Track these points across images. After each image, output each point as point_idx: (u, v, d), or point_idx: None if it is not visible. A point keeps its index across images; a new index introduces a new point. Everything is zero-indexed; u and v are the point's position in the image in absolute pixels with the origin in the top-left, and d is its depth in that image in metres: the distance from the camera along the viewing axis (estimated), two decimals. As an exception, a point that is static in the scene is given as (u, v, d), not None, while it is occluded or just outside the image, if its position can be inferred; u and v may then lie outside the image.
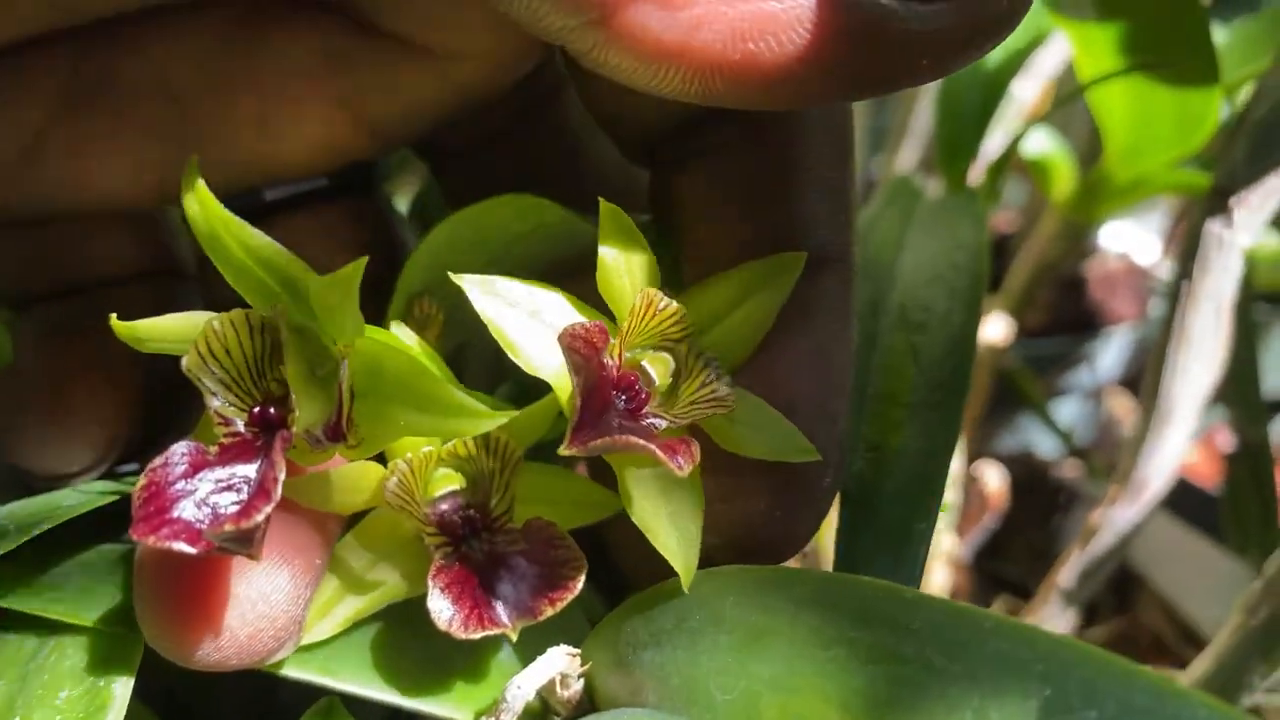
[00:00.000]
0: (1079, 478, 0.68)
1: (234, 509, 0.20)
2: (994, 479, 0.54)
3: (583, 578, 0.23)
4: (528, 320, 0.22)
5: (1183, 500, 0.73)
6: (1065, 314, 0.75)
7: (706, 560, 0.23)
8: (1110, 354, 0.77)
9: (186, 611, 0.23)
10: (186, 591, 0.23)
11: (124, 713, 0.24)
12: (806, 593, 0.21)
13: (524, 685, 0.25)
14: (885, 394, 0.29)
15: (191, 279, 0.31)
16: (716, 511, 0.24)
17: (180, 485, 0.20)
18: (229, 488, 0.20)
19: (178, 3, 0.25)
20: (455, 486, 0.24)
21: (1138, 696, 0.17)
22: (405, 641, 0.26)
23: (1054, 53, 0.58)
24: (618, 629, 0.25)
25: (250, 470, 0.20)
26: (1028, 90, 0.57)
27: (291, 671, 0.25)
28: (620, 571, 0.29)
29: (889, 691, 0.19)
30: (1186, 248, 0.42)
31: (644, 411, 0.22)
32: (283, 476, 0.19)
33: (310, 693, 0.40)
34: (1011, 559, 0.64)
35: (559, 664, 0.25)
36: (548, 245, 0.26)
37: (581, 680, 0.26)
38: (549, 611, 0.23)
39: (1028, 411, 0.72)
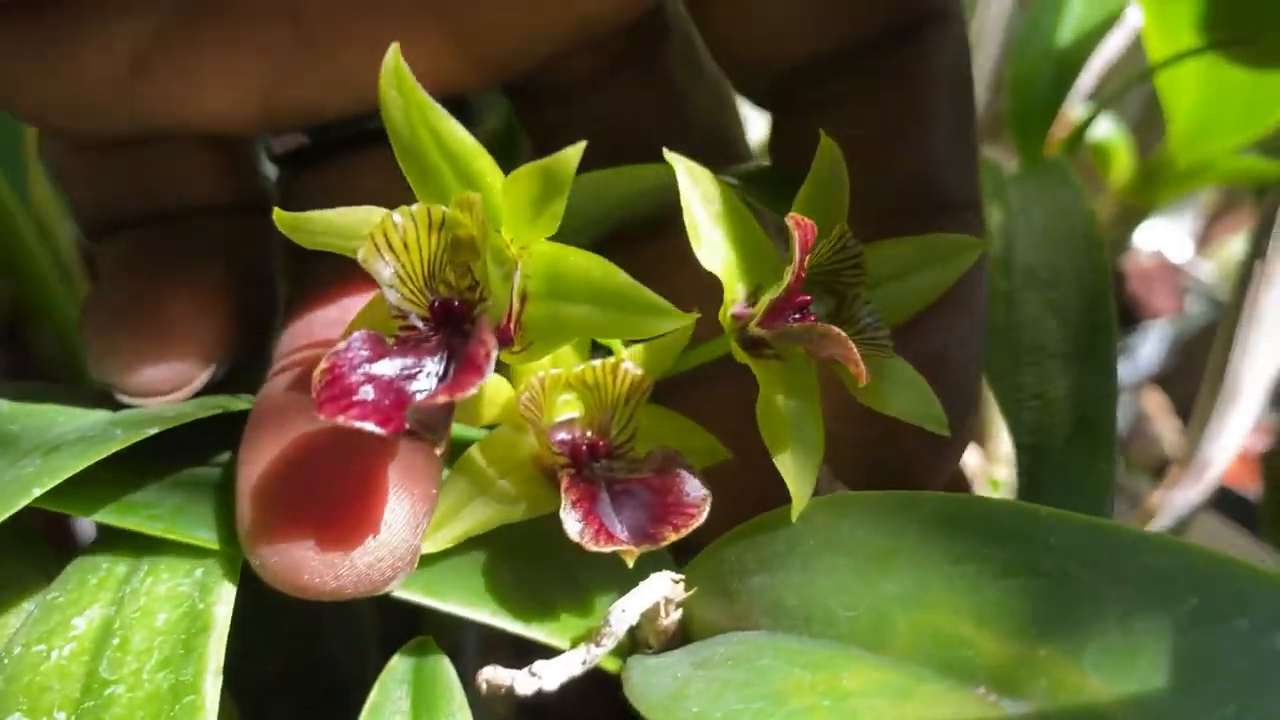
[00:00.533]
0: (1120, 472, 0.68)
1: (427, 392, 0.20)
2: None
3: (708, 506, 0.24)
4: (716, 217, 0.23)
5: (1219, 503, 0.73)
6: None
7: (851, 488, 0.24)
8: (1148, 347, 0.77)
9: (306, 537, 0.22)
10: (306, 516, 0.23)
11: (226, 636, 0.24)
12: (930, 513, 0.21)
13: (628, 608, 0.25)
14: (1035, 346, 0.30)
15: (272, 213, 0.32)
16: (860, 456, 0.24)
17: (363, 369, 0.20)
18: (412, 376, 0.20)
19: None
20: (575, 413, 0.24)
21: (1287, 603, 0.17)
22: (505, 570, 0.27)
23: (1111, 43, 0.58)
24: (719, 559, 0.25)
25: (431, 363, 0.21)
26: (1087, 79, 0.58)
27: (397, 592, 0.25)
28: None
29: (1026, 604, 0.19)
30: (1260, 227, 0.42)
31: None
32: (495, 353, 0.20)
33: (350, 644, 0.40)
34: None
35: (663, 588, 0.25)
36: (662, 195, 0.26)
37: (679, 611, 0.26)
38: (672, 536, 0.23)
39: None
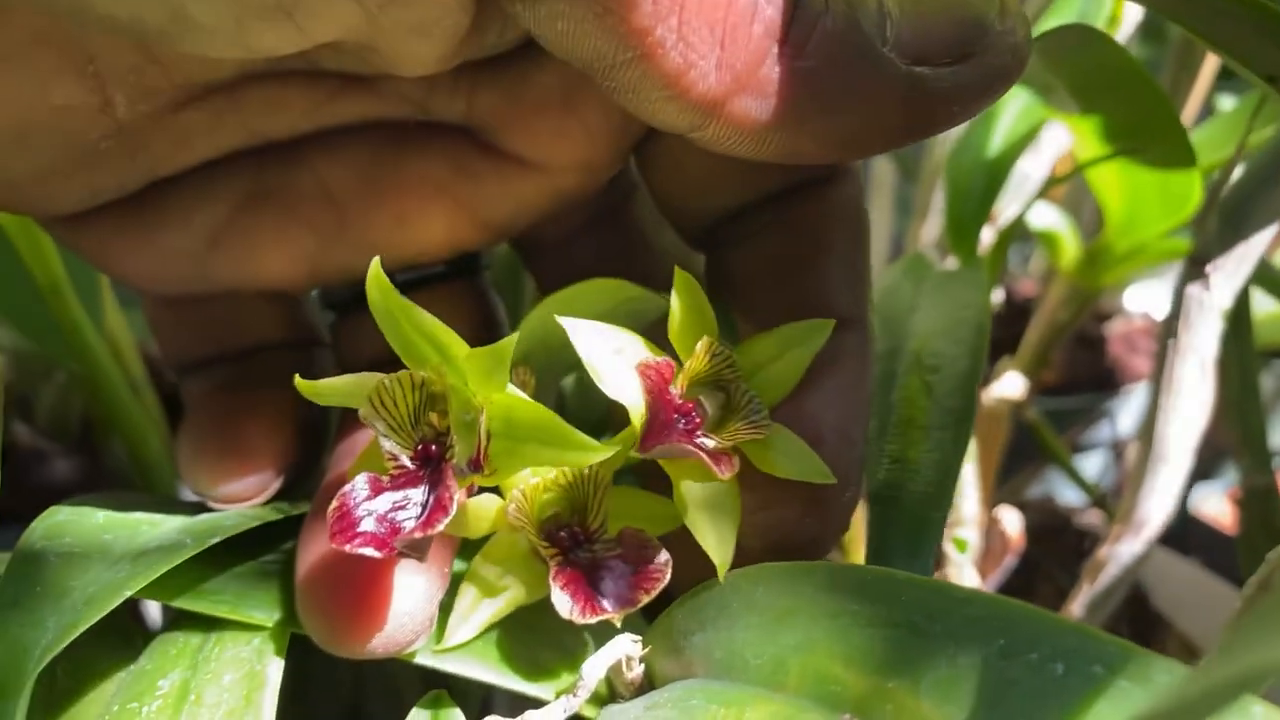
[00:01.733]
0: (1101, 525, 0.73)
1: (412, 522, 0.26)
2: (1013, 522, 0.59)
3: (669, 571, 0.30)
4: (613, 356, 0.29)
5: (1213, 548, 0.77)
6: (1082, 372, 0.81)
7: (750, 559, 0.29)
8: (1131, 410, 0.82)
9: (351, 611, 0.29)
10: (351, 596, 0.30)
11: (278, 690, 0.30)
12: (822, 579, 0.27)
13: (596, 665, 0.30)
14: (904, 419, 0.36)
15: (324, 346, 0.38)
16: (757, 519, 0.30)
17: (365, 506, 0.27)
18: (402, 507, 0.27)
19: (342, 126, 0.32)
20: (558, 509, 0.31)
21: (1068, 639, 0.22)
22: (506, 639, 0.33)
23: (1063, 132, 0.64)
24: (670, 621, 0.31)
25: (417, 494, 0.27)
26: (1039, 168, 0.63)
27: (417, 659, 0.32)
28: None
29: (882, 647, 0.24)
30: (1172, 310, 0.47)
31: (698, 434, 0.29)
32: (458, 497, 0.26)
33: (390, 702, 0.46)
34: (1039, 599, 0.68)
35: (625, 648, 0.31)
36: (627, 317, 0.32)
37: (643, 666, 0.32)
38: (645, 598, 0.30)
39: (1052, 465, 0.76)
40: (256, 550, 0.35)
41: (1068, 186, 0.79)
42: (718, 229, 0.34)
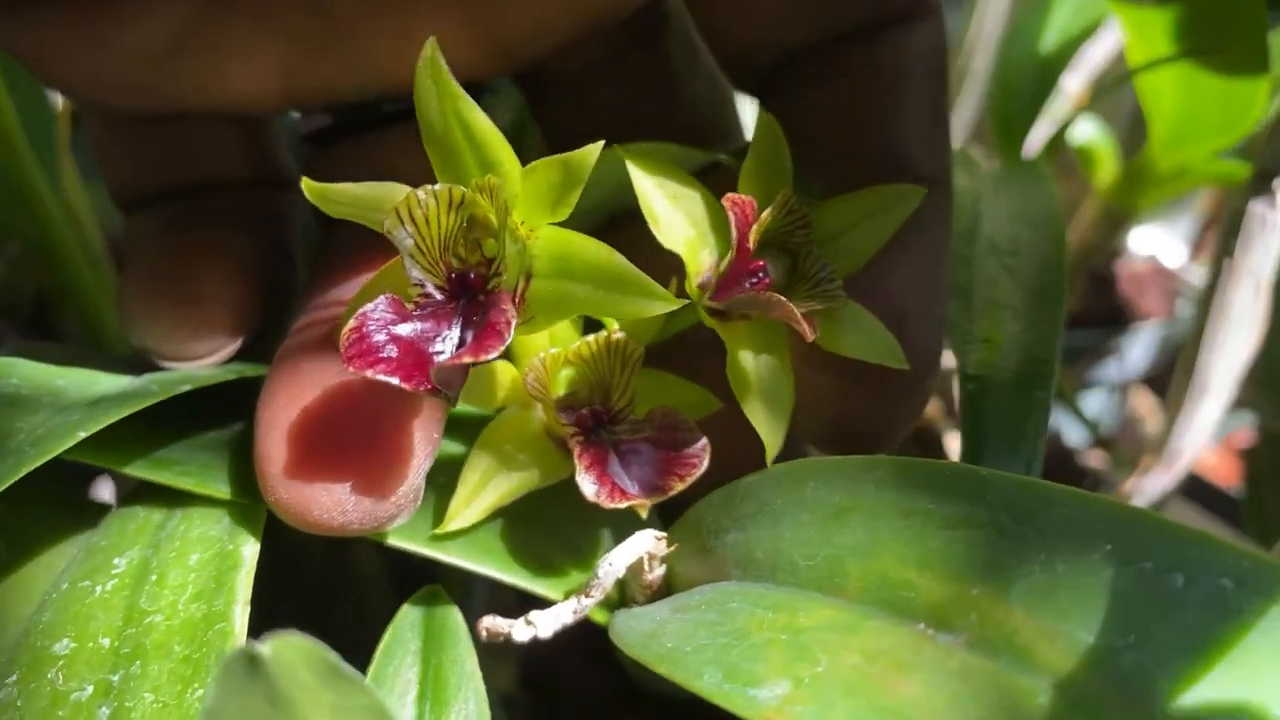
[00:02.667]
0: (1104, 467, 0.70)
1: (448, 352, 0.22)
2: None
3: (706, 458, 0.26)
4: (670, 200, 0.25)
5: (1202, 497, 0.75)
6: (1095, 307, 0.78)
7: (805, 451, 0.26)
8: (1137, 349, 0.79)
9: (317, 478, 0.25)
10: (318, 460, 0.25)
11: (253, 572, 0.27)
12: (885, 475, 0.23)
13: (615, 562, 0.27)
14: (989, 300, 0.32)
15: (294, 191, 0.33)
16: (823, 406, 0.26)
17: (387, 330, 0.22)
18: (429, 339, 0.23)
19: None
20: (578, 386, 0.27)
21: (1187, 549, 0.19)
22: (510, 533, 0.29)
23: (1100, 48, 0.60)
24: (698, 519, 0.28)
25: (449, 328, 0.23)
26: (1074, 83, 0.60)
27: (401, 543, 0.28)
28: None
29: (964, 550, 0.21)
30: (1229, 226, 0.44)
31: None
32: (514, 320, 0.22)
33: (367, 599, 0.43)
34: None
35: (646, 544, 0.27)
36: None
37: (664, 567, 0.28)
38: (679, 486, 0.26)
39: (1056, 401, 0.74)
40: (225, 418, 0.31)
41: (1105, 106, 0.75)
42: (781, 71, 0.30)
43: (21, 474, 0.25)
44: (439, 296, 0.23)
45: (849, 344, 0.26)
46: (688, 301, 0.24)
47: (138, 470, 0.29)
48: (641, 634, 0.24)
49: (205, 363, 0.30)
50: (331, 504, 0.25)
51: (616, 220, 0.29)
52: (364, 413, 0.25)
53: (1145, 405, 0.81)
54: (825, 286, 0.26)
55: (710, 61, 0.33)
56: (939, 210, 0.29)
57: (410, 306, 0.23)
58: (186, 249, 0.31)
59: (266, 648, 0.15)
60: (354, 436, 0.25)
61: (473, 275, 0.23)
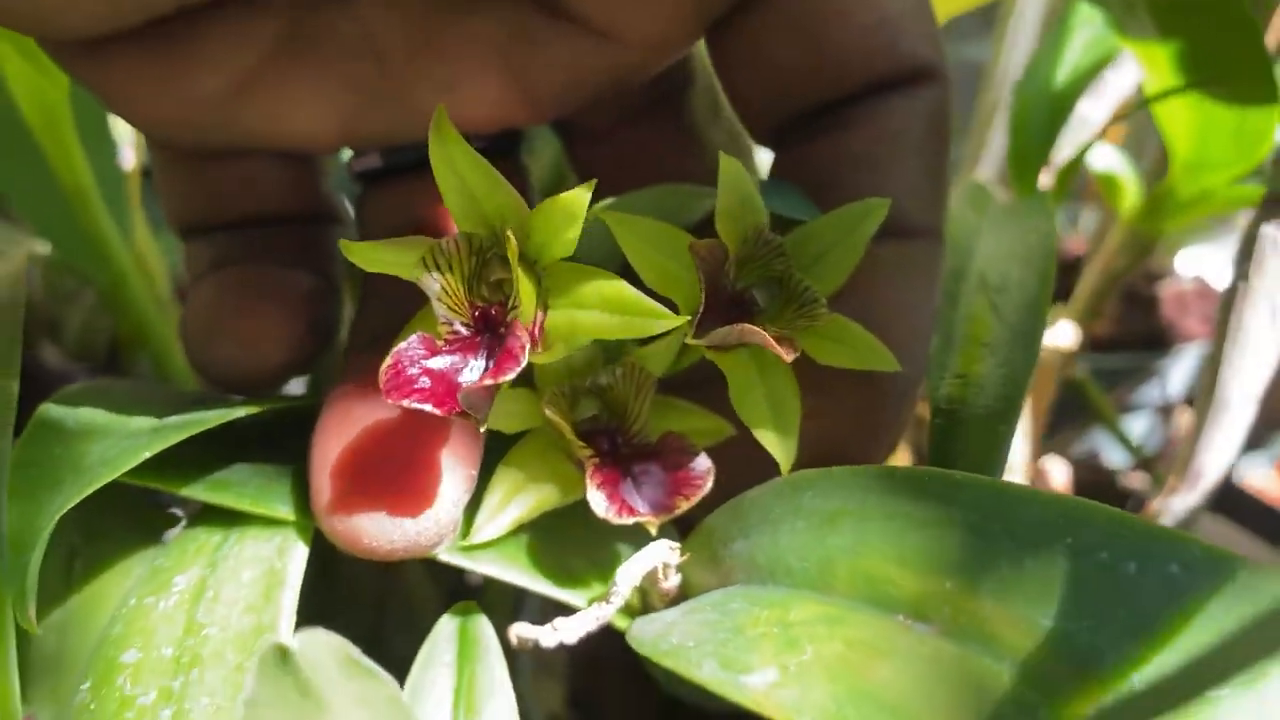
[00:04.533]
0: (1146, 488, 0.71)
1: (470, 382, 0.25)
2: (1059, 473, 0.57)
3: (710, 479, 0.28)
4: (655, 251, 0.27)
5: (1257, 518, 0.75)
6: (1135, 329, 0.78)
7: (799, 466, 0.28)
8: (1180, 371, 0.79)
9: (363, 508, 0.28)
10: (370, 490, 0.28)
11: (299, 587, 0.29)
12: (873, 481, 0.25)
13: (632, 570, 0.29)
14: (969, 336, 0.34)
15: (340, 224, 0.37)
16: (807, 428, 0.28)
17: (420, 364, 0.25)
18: (458, 370, 0.25)
19: None
20: (595, 410, 0.29)
21: (1141, 540, 0.21)
22: (537, 545, 0.31)
23: (1125, 75, 0.61)
24: (710, 530, 0.30)
25: (475, 359, 0.26)
26: (1099, 111, 0.61)
27: (439, 555, 0.30)
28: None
29: (939, 547, 0.23)
30: (1242, 250, 0.45)
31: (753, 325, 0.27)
32: (529, 345, 0.25)
33: (413, 613, 0.45)
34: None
35: (662, 554, 0.29)
36: (675, 217, 0.30)
37: (679, 575, 0.30)
38: (684, 505, 0.28)
39: (1098, 423, 0.74)
40: (279, 443, 0.34)
41: (1129, 132, 0.76)
42: (794, 125, 0.32)
43: (92, 490, 0.28)
44: (465, 332, 0.26)
45: (838, 354, 0.28)
46: (687, 319, 0.26)
47: (197, 492, 0.31)
48: (653, 635, 0.26)
49: (265, 390, 0.33)
50: (378, 531, 0.27)
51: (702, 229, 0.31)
52: (398, 446, 0.28)
53: (1187, 426, 0.81)
54: (810, 306, 0.28)
55: (732, 114, 0.35)
56: (927, 257, 0.31)
57: (440, 343, 0.26)
58: (247, 285, 0.33)
59: (296, 642, 0.18)
60: (391, 468, 0.28)
61: (494, 311, 0.26)
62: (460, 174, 0.26)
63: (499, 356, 0.25)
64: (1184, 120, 0.51)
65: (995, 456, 0.30)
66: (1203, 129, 0.50)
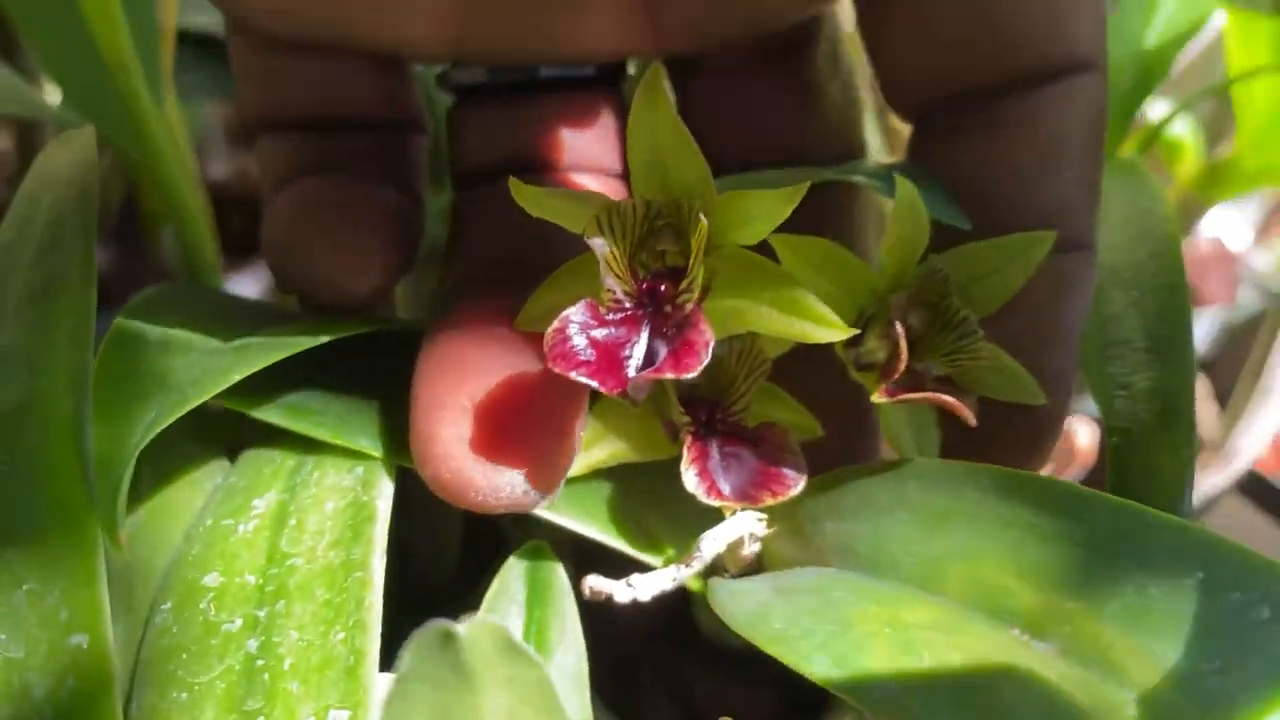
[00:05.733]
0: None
1: (637, 362, 0.24)
2: (1084, 435, 0.57)
3: (804, 480, 0.28)
4: (818, 276, 0.27)
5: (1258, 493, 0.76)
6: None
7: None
8: (1197, 334, 0.80)
9: (480, 463, 0.27)
10: (484, 447, 0.27)
11: (388, 525, 0.28)
12: (988, 483, 0.25)
13: (718, 537, 0.29)
14: (1119, 340, 0.32)
15: (424, 134, 0.35)
16: (957, 453, 0.28)
17: (586, 334, 0.24)
18: (621, 345, 0.25)
19: None
20: (702, 379, 0.28)
21: (1271, 583, 0.21)
22: (617, 502, 0.31)
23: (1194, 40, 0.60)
24: (795, 505, 0.29)
25: (637, 335, 0.25)
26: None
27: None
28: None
29: (1061, 565, 0.23)
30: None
31: (912, 362, 0.27)
32: (712, 342, 0.24)
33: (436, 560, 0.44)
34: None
35: (748, 525, 0.29)
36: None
37: (758, 544, 0.30)
38: (769, 500, 0.28)
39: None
40: (357, 367, 0.33)
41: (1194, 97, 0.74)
42: (938, 112, 0.31)
43: (187, 409, 0.27)
44: (629, 305, 0.25)
45: (988, 384, 0.28)
46: (856, 332, 0.26)
47: (272, 415, 0.30)
48: (749, 613, 0.26)
49: (360, 305, 0.31)
50: (489, 488, 0.26)
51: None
52: (535, 409, 0.27)
53: (1201, 392, 0.82)
54: (969, 338, 0.27)
55: (849, 67, 0.34)
56: (1084, 271, 0.30)
57: (604, 310, 0.25)
58: (340, 201, 0.31)
59: (462, 629, 0.17)
60: (523, 430, 0.27)
61: (664, 288, 0.25)
62: (656, 137, 0.25)
63: (679, 349, 0.24)
64: (1262, 95, 0.50)
65: (1176, 469, 0.29)
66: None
